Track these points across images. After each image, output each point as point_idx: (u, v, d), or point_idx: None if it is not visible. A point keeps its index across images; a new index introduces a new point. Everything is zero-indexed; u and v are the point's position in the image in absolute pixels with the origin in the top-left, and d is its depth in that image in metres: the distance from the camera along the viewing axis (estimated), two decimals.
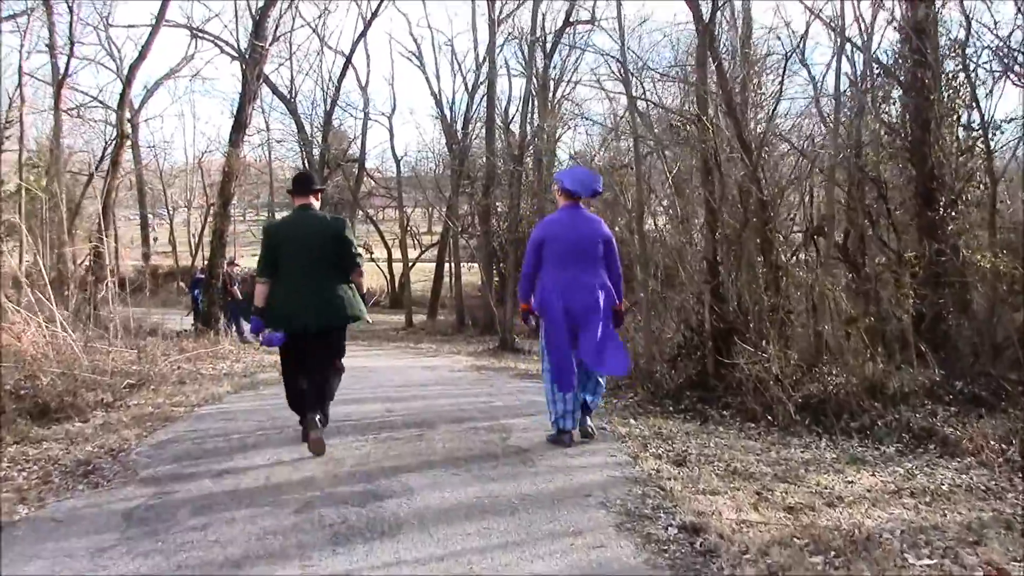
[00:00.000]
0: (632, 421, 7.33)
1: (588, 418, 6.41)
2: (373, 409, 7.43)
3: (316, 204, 6.34)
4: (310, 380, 6.10)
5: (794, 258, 9.54)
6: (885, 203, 9.59)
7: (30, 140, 29.25)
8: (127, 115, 33.38)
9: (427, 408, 7.58)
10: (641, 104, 10.33)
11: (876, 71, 9.82)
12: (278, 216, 42.42)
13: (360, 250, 6.35)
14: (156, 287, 38.25)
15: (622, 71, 9.41)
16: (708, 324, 8.50)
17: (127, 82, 17.28)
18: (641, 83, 10.57)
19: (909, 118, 9.11)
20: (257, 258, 6.84)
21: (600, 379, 6.48)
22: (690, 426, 7.34)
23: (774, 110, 9.87)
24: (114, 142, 17.47)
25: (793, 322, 8.44)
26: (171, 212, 42.59)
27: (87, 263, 17.07)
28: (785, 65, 9.69)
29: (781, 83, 9.83)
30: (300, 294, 5.94)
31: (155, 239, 41.95)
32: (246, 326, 20.68)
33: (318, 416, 5.98)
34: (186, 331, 16.27)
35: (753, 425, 7.40)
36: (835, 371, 8.04)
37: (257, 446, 6.10)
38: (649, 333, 9.79)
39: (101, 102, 27.69)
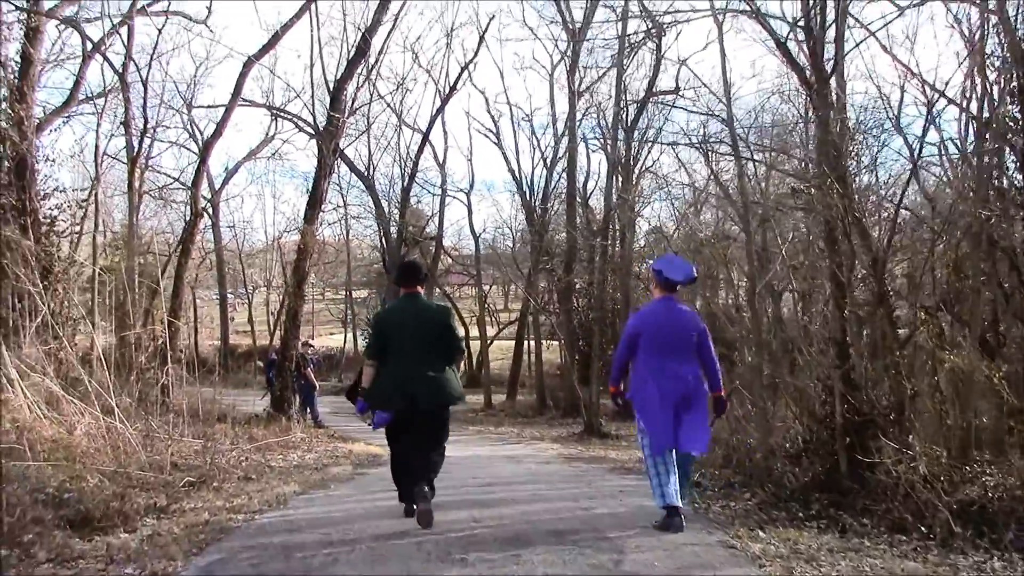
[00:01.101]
0: (761, 533, 6.21)
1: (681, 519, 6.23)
2: (458, 518, 6.41)
3: (422, 292, 6.88)
4: (418, 458, 6.44)
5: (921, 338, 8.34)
6: (1019, 275, 8.37)
7: (115, 223, 29.58)
8: (203, 194, 33.77)
9: (519, 516, 6.53)
10: (747, 169, 9.36)
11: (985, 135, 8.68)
12: (355, 294, 42.55)
13: (461, 334, 7.06)
14: (234, 367, 38.20)
15: (729, 133, 8.46)
16: (839, 415, 7.35)
17: (201, 159, 16.95)
18: (749, 147, 9.58)
19: None
20: (366, 343, 7.63)
21: (686, 471, 6.64)
22: (829, 538, 6.19)
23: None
24: (189, 221, 17.02)
25: (942, 412, 7.24)
26: (249, 291, 42.56)
27: (156, 345, 16.58)
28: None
29: (879, 150, 8.94)
30: (407, 377, 6.37)
31: (232, 319, 41.95)
32: (320, 410, 20.05)
33: (426, 487, 6.22)
34: (258, 416, 15.53)
35: (904, 538, 6.21)
36: (990, 470, 6.85)
37: (323, 568, 5.13)
38: (765, 424, 8.66)
39: (182, 183, 27.64)
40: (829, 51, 8.63)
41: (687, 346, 6.40)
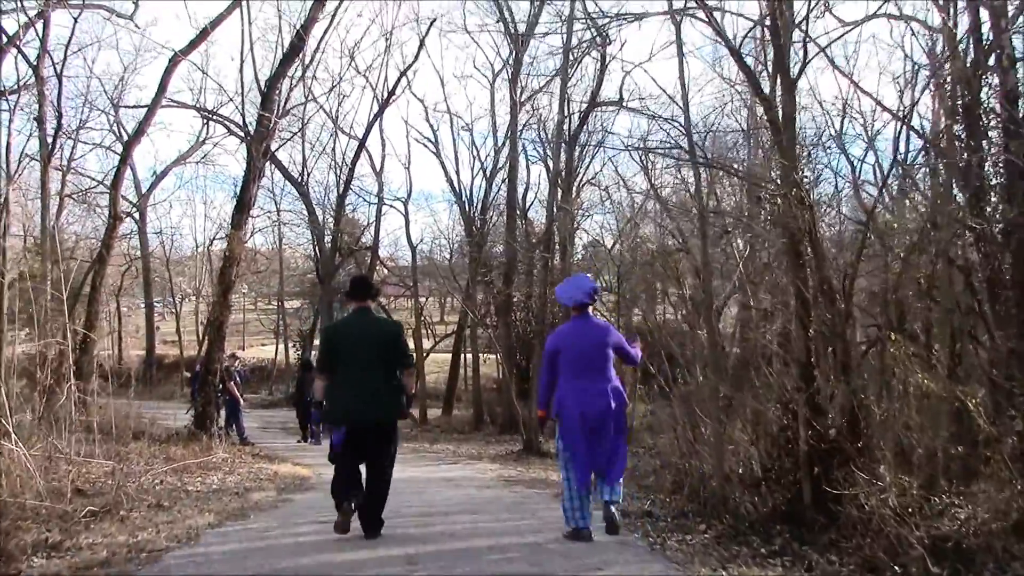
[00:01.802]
0: (724, 573, 5.66)
1: (615, 513, 6.48)
2: (392, 556, 5.73)
3: (372, 307, 7.03)
4: (368, 483, 6.60)
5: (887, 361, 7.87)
6: (974, 294, 7.96)
7: (36, 227, 28.21)
8: (129, 198, 32.50)
9: (462, 556, 5.86)
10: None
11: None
12: (287, 304, 41.40)
13: (411, 351, 7.26)
14: (160, 379, 36.84)
15: (686, 138, 7.93)
16: (803, 441, 6.84)
17: (122, 159, 15.97)
18: (706, 154, 9.07)
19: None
20: (317, 356, 7.79)
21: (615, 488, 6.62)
22: None
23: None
24: (108, 224, 16.02)
25: (911, 439, 6.77)
26: (176, 300, 41.16)
27: (63, 358, 15.56)
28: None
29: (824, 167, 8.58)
30: (357, 392, 6.49)
31: (159, 328, 40.53)
32: (248, 424, 19.15)
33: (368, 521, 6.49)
34: (178, 433, 14.61)
35: None
36: (958, 501, 6.42)
37: None
38: (719, 448, 8.13)
39: (105, 185, 26.45)
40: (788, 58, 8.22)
41: (605, 360, 6.62)
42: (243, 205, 15.15)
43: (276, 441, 19.60)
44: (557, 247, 23.09)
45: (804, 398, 6.89)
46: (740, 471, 8.04)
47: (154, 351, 39.31)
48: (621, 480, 6.73)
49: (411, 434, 21.69)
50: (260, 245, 41.00)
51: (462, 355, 30.81)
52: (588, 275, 8.06)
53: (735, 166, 9.44)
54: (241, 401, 17.91)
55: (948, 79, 7.44)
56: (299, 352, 33.58)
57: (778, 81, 8.95)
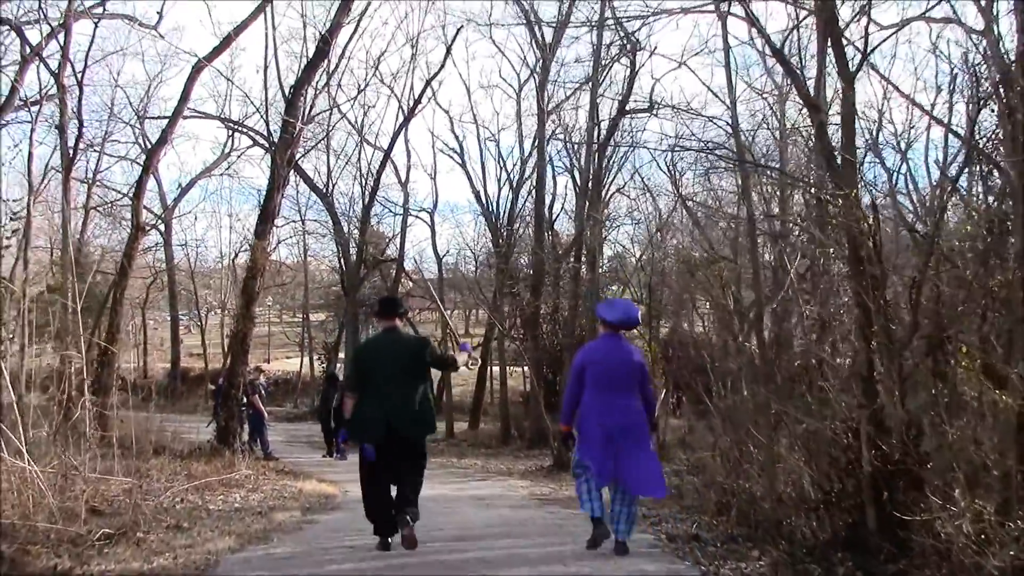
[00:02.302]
0: None
1: (625, 546, 6.51)
2: None
3: (401, 326, 7.15)
4: (400, 487, 6.69)
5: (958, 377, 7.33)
6: None
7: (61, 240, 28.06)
8: (154, 210, 32.33)
9: None
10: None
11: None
12: (312, 317, 41.12)
13: (448, 354, 8.13)
14: (185, 392, 36.60)
15: (734, 140, 7.44)
16: (867, 463, 6.31)
17: (145, 169, 15.65)
18: (753, 157, 8.59)
19: None
20: (346, 375, 8.35)
21: (632, 510, 6.74)
22: None
23: None
24: (130, 235, 15.70)
25: (986, 462, 6.23)
26: (201, 313, 40.95)
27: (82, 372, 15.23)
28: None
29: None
30: (387, 407, 6.57)
31: (182, 341, 40.30)
32: (272, 438, 18.78)
33: (408, 518, 6.48)
34: (200, 448, 14.22)
35: None
36: None
37: None
38: (771, 468, 7.63)
39: (131, 198, 26.26)
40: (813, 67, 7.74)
41: (631, 380, 6.73)
42: (267, 215, 14.77)
43: (301, 456, 19.20)
44: (585, 257, 22.59)
45: (867, 415, 6.37)
46: (794, 493, 7.54)
47: (179, 364, 39.10)
48: (635, 517, 6.89)
49: (439, 448, 21.26)
50: (285, 257, 40.84)
51: (489, 368, 30.36)
52: (636, 304, 8.57)
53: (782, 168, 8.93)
54: (266, 415, 17.54)
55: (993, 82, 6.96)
56: (324, 365, 33.24)
57: (824, 83, 8.51)
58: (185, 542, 6.98)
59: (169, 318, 40.59)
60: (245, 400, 15.66)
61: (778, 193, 11.66)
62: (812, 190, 7.23)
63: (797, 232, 8.20)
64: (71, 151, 14.92)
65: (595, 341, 7.09)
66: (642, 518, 8.81)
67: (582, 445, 6.75)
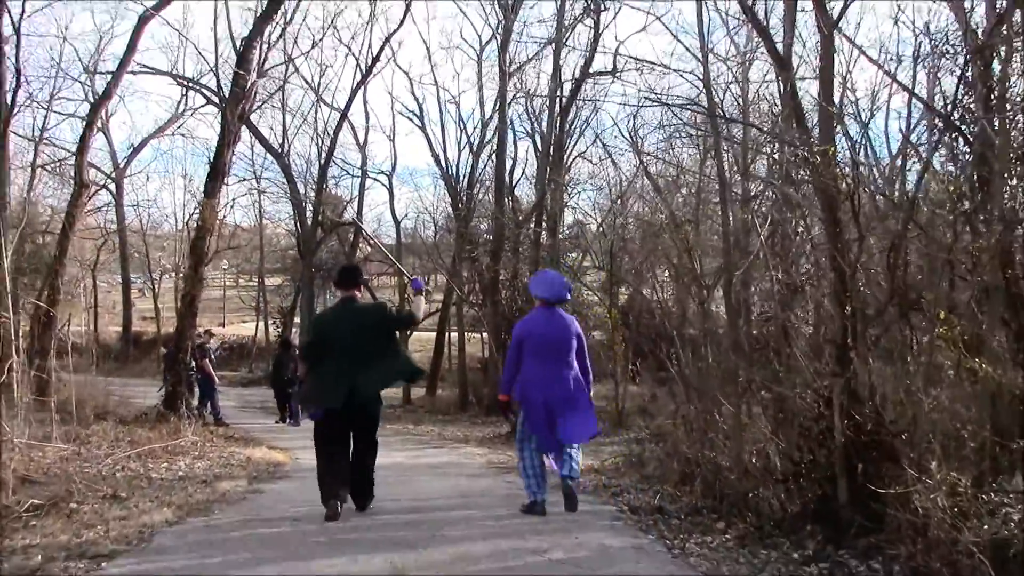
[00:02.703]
0: None
1: (574, 489, 6.83)
2: (372, 569, 4.90)
3: (359, 295, 7.19)
4: (355, 459, 6.89)
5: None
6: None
7: (11, 198, 27.11)
8: (99, 168, 31.38)
9: (456, 564, 5.04)
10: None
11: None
12: (268, 281, 40.40)
13: (405, 310, 8.56)
14: (137, 356, 35.87)
15: (705, 95, 7.08)
16: (840, 433, 6.03)
17: (88, 124, 14.95)
18: (724, 114, 8.22)
19: None
20: (304, 344, 8.94)
21: (575, 455, 6.93)
22: None
23: None
24: (72, 193, 15.03)
25: (961, 433, 5.97)
26: (153, 275, 40.03)
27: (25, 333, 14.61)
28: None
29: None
30: (343, 374, 6.66)
31: (134, 305, 39.45)
32: (225, 403, 18.32)
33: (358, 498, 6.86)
34: (146, 414, 13.72)
35: None
36: (1007, 500, 5.68)
37: None
38: (738, 438, 7.35)
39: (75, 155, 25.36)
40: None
41: (567, 350, 6.96)
42: (217, 172, 14.15)
43: (255, 422, 18.74)
44: (546, 222, 22.26)
45: (841, 384, 6.09)
46: (760, 464, 7.26)
47: (131, 327, 38.34)
48: (579, 457, 7.02)
49: (395, 415, 20.91)
50: (241, 220, 40.03)
51: (447, 334, 30.01)
52: (557, 272, 8.74)
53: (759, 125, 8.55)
54: (216, 380, 17.04)
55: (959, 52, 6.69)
56: (279, 330, 32.68)
57: (792, 42, 8.21)
58: (120, 513, 6.56)
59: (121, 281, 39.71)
60: (194, 365, 15.16)
61: (741, 160, 11.40)
62: (787, 148, 6.87)
63: (767, 194, 7.85)
64: (9, 102, 14.20)
65: (532, 313, 7.22)
66: (603, 488, 8.55)
67: (526, 416, 6.93)
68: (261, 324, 38.48)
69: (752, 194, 8.09)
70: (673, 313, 10.28)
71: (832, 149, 6.20)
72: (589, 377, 7.16)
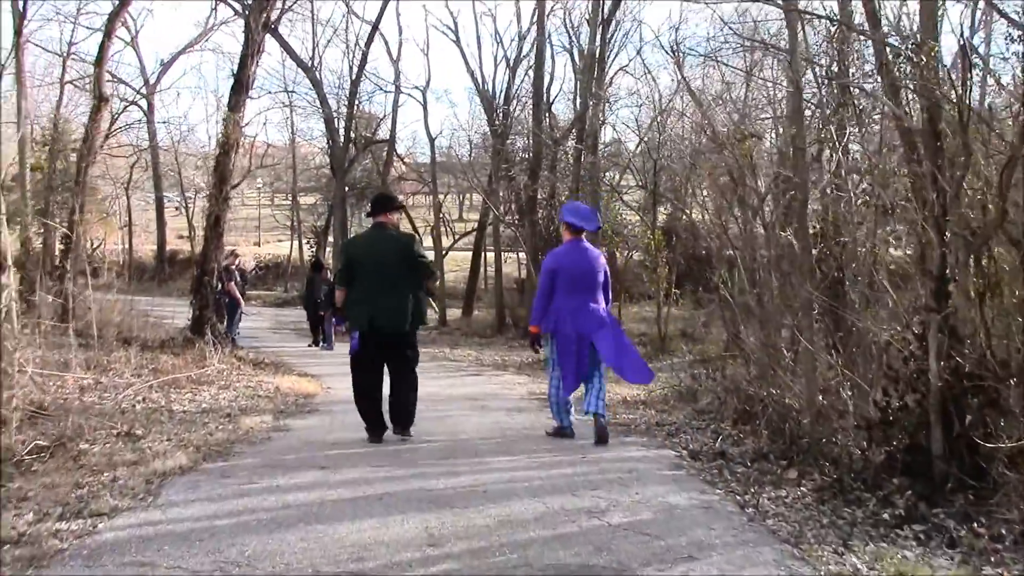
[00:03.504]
0: (854, 559, 4.18)
1: (605, 427, 6.96)
2: (405, 537, 4.24)
3: (393, 221, 7.32)
4: (392, 388, 7.11)
5: None
6: None
7: (43, 117, 26.53)
8: (129, 85, 30.68)
9: (496, 529, 4.40)
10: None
11: None
12: (302, 200, 39.75)
13: (430, 258, 8.25)
14: (173, 275, 35.58)
15: None
16: (936, 376, 5.27)
17: (107, 33, 14.13)
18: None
19: None
20: (336, 269, 9.37)
21: (601, 387, 7.09)
22: (942, 562, 4.22)
23: None
24: (92, 107, 14.33)
25: None
26: (186, 195, 39.49)
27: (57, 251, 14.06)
28: None
29: None
30: (373, 302, 6.87)
31: (166, 224, 39.07)
32: (258, 324, 17.78)
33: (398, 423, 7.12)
34: (172, 339, 13.22)
35: None
36: None
37: None
38: (812, 377, 6.62)
39: (112, 74, 24.69)
40: None
41: (596, 282, 7.15)
42: (240, 85, 13.37)
43: (286, 345, 18.28)
44: (586, 139, 21.31)
45: (939, 321, 5.31)
46: (834, 405, 6.54)
47: (165, 246, 38.01)
48: (604, 394, 7.15)
49: (431, 338, 20.37)
50: (275, 139, 39.30)
51: (483, 254, 29.34)
52: (588, 205, 8.88)
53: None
54: (242, 303, 16.48)
55: None
56: (312, 249, 32.15)
57: None
58: (131, 457, 5.98)
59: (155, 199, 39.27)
60: (220, 287, 14.58)
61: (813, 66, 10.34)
62: (875, 46, 5.95)
63: (851, 97, 6.95)
64: (22, 9, 13.45)
65: (563, 246, 7.32)
66: (656, 427, 7.91)
67: (558, 348, 7.07)
68: (295, 244, 38.00)
69: (833, 105, 7.16)
70: (728, 236, 9.45)
71: (935, 48, 5.33)
72: (608, 307, 7.33)
